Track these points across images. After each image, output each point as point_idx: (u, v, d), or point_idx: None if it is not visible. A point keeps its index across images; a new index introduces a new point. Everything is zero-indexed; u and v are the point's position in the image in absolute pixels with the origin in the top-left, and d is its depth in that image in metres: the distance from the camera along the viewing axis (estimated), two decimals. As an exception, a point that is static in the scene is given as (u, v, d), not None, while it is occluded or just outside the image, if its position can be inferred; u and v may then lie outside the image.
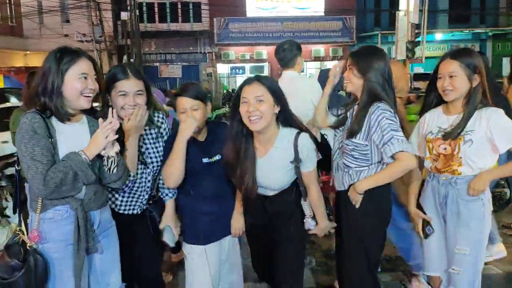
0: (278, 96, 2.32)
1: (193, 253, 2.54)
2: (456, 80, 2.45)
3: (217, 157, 2.50)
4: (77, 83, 2.08)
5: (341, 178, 2.60)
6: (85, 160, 2.05)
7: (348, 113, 2.64)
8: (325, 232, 2.62)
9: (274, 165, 2.39)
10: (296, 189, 2.53)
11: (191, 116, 2.36)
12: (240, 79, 27.21)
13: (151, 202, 2.59)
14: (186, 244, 2.59)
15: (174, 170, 2.38)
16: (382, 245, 2.63)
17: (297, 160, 2.36)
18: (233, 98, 2.39)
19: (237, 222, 2.62)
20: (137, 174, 2.46)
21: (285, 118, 2.39)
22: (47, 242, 2.11)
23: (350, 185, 2.54)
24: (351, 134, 2.46)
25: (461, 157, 2.45)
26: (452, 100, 2.50)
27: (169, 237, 2.57)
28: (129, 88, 2.32)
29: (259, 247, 2.78)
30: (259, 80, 2.31)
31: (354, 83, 2.52)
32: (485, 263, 3.90)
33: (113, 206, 2.47)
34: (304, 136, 2.36)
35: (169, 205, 2.61)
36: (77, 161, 2.03)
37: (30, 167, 1.99)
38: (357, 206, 2.50)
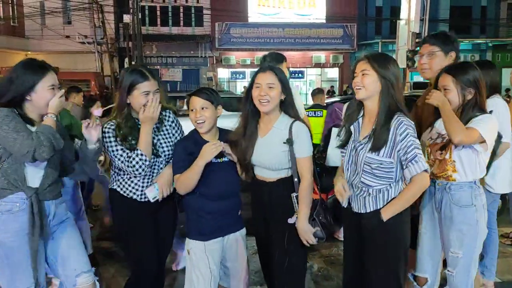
0: (285, 86, 2.60)
1: (195, 248, 2.64)
2: (448, 94, 2.59)
3: (225, 159, 2.66)
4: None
5: (362, 200, 2.48)
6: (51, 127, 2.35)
7: (352, 127, 2.56)
8: (305, 237, 2.54)
9: (271, 143, 2.59)
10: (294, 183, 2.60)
11: (216, 143, 2.53)
12: (240, 84, 27.28)
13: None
14: (189, 239, 2.69)
15: (189, 186, 2.58)
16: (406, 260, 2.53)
17: (290, 142, 2.53)
18: (249, 83, 2.68)
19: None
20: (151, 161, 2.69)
21: (286, 106, 2.63)
22: (6, 233, 2.35)
23: (375, 210, 2.43)
24: (376, 149, 2.36)
25: (454, 161, 2.59)
26: None
27: (151, 192, 2.69)
28: (150, 88, 2.63)
29: (261, 249, 2.83)
30: (272, 70, 2.61)
31: (371, 90, 2.40)
32: None
33: (135, 196, 2.70)
34: (299, 123, 2.59)
35: (168, 166, 2.75)
36: (46, 128, 2.32)
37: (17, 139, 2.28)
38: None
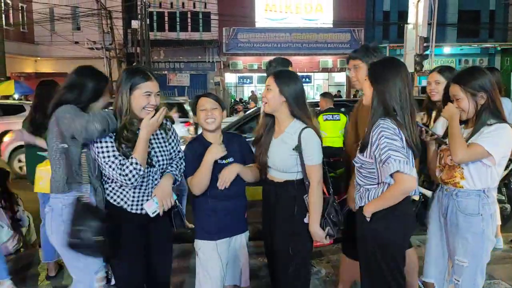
0: (283, 89, 2.60)
1: (204, 248, 2.71)
2: (460, 103, 2.55)
3: (230, 160, 2.73)
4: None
5: (356, 197, 2.60)
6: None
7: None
8: (318, 239, 2.64)
9: (282, 146, 2.64)
10: (301, 185, 2.63)
11: (220, 145, 2.66)
12: (247, 89, 27.33)
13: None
14: (197, 240, 2.75)
15: (202, 184, 2.66)
16: (403, 258, 2.52)
17: (298, 148, 2.57)
18: None
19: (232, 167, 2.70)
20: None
21: (290, 110, 2.63)
22: (66, 226, 2.48)
23: (360, 207, 2.52)
24: (360, 150, 2.48)
25: (462, 168, 2.56)
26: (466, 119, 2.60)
27: (151, 207, 2.54)
28: (152, 88, 2.49)
29: (268, 250, 2.85)
30: (274, 74, 2.70)
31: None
32: (493, 277, 3.92)
33: (126, 206, 2.54)
34: (308, 130, 2.60)
35: (165, 177, 2.62)
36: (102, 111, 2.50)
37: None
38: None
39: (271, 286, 2.93)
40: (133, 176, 2.40)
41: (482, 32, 27.25)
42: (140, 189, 2.53)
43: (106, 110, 2.55)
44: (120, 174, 2.39)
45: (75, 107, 2.53)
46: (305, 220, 2.63)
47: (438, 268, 2.77)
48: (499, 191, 5.36)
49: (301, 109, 2.64)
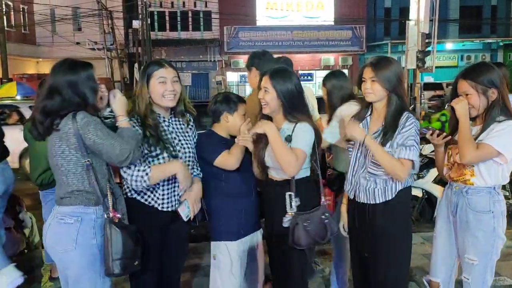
0: (280, 92, 2.54)
1: (223, 249, 2.69)
2: (470, 99, 2.50)
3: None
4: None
5: (372, 191, 2.54)
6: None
7: (361, 125, 2.63)
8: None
9: None
10: (300, 185, 2.59)
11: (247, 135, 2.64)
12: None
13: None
14: (217, 242, 2.72)
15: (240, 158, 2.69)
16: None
17: (288, 138, 2.52)
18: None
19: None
20: None
21: (285, 113, 2.58)
22: (101, 234, 2.30)
23: (386, 201, 2.51)
24: (384, 143, 2.46)
25: (472, 166, 2.52)
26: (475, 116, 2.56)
27: (184, 211, 2.58)
28: (167, 74, 2.49)
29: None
30: (270, 74, 2.58)
31: (378, 95, 2.51)
32: (499, 274, 3.90)
33: (155, 204, 2.53)
34: (302, 123, 2.55)
35: (196, 183, 2.66)
36: (130, 130, 2.34)
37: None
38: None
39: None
40: (135, 181, 2.39)
41: (484, 28, 27.17)
42: (168, 185, 2.55)
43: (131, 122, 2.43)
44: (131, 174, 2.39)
45: (97, 119, 2.25)
46: (284, 224, 2.52)
47: (445, 268, 2.75)
48: (503, 187, 5.33)
49: (292, 110, 2.58)
